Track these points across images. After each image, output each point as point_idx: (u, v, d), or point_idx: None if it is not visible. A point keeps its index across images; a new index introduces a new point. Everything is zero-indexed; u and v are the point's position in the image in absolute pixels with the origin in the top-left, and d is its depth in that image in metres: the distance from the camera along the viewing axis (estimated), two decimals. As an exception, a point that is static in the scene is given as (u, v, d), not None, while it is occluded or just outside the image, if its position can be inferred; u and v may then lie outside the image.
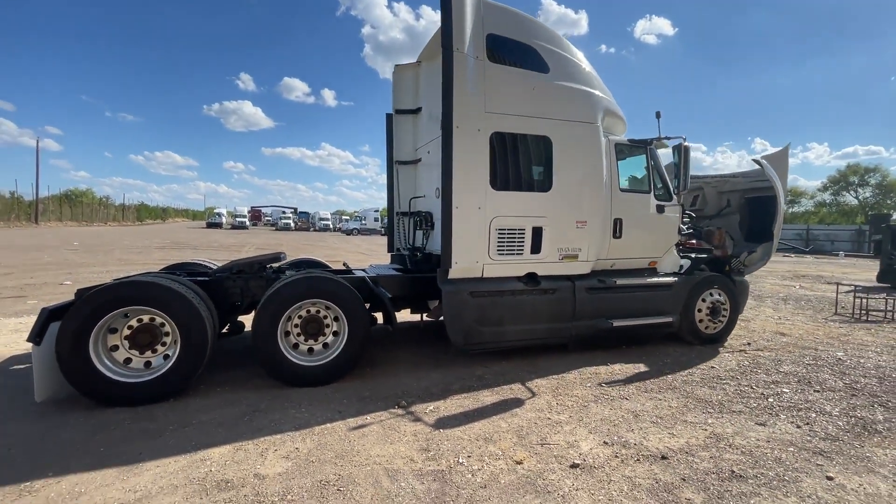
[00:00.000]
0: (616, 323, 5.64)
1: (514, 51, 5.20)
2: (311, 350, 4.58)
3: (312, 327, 4.55)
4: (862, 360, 5.57)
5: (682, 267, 6.41)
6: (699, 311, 6.28)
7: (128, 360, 4.00)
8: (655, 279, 6.08)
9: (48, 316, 3.74)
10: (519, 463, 3.05)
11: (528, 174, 5.33)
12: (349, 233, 47.03)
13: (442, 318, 6.34)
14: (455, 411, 3.90)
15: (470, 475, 2.89)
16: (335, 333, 4.66)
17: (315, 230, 57.39)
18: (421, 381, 4.64)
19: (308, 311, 4.55)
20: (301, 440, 3.31)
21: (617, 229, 5.78)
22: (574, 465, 3.02)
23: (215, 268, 5.71)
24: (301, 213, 67.05)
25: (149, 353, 4.04)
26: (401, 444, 3.29)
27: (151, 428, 3.46)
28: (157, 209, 79.94)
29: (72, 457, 3.01)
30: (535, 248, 5.30)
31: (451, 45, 4.74)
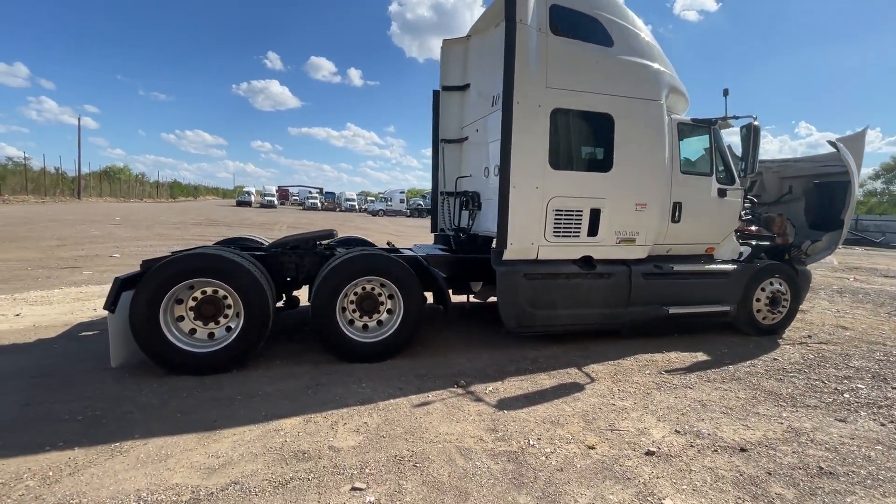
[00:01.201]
0: (672, 310, 5.46)
1: (578, 23, 4.96)
2: (365, 327, 4.59)
3: (368, 304, 4.55)
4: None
5: (741, 254, 6.13)
6: (758, 300, 6.02)
7: (192, 331, 4.09)
8: (714, 266, 5.84)
9: (120, 285, 3.84)
10: (591, 448, 2.99)
11: (589, 153, 5.14)
12: (375, 213, 47.29)
13: (490, 299, 6.30)
14: (515, 393, 3.86)
15: (543, 458, 2.85)
16: (389, 311, 4.66)
17: (341, 210, 57.97)
18: (473, 361, 4.60)
19: (363, 288, 4.55)
20: (368, 415, 3.32)
21: (676, 213, 5.55)
22: (649, 453, 2.93)
23: (267, 243, 5.78)
24: (327, 193, 67.67)
25: (212, 324, 4.12)
26: (467, 423, 3.27)
27: (220, 396, 3.53)
28: (189, 187, 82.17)
29: (152, 420, 3.10)
30: (592, 230, 5.13)
31: (514, 16, 4.54)
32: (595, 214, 5.11)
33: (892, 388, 4.26)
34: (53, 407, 3.22)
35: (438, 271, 4.86)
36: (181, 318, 4.06)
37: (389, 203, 48.66)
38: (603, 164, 5.12)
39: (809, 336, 6.13)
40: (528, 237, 4.91)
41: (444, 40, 6.88)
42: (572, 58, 4.89)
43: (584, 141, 5.05)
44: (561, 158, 4.93)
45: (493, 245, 4.95)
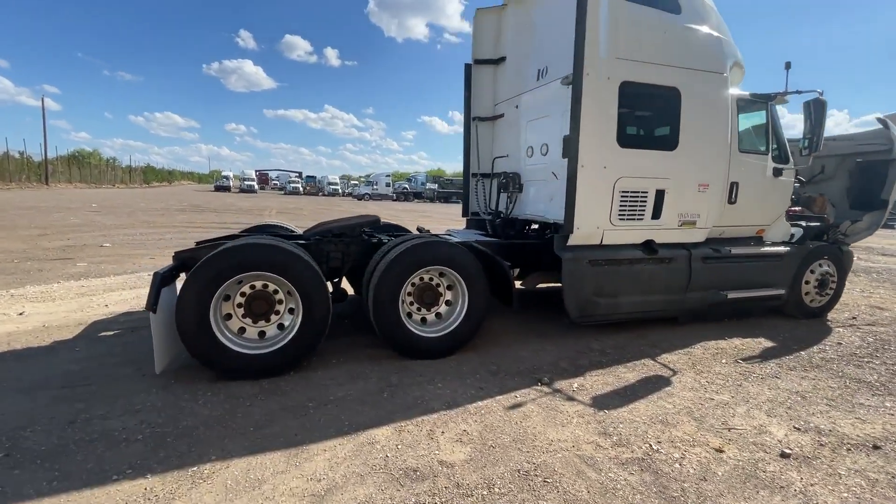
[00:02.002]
0: (731, 295, 5.27)
1: (645, -13, 4.57)
2: (423, 320, 4.23)
3: (428, 296, 4.17)
4: None
5: (793, 236, 5.96)
6: (807, 283, 5.89)
7: (241, 330, 3.66)
8: (769, 249, 5.65)
9: (160, 281, 3.37)
10: (720, 451, 2.73)
11: (656, 130, 4.81)
12: (360, 198, 46.32)
13: (538, 286, 6.00)
14: (603, 389, 3.58)
15: (677, 465, 2.57)
16: (447, 303, 4.30)
17: (324, 195, 56.62)
18: (540, 354, 4.31)
19: (422, 279, 4.17)
20: (463, 421, 2.99)
21: (733, 194, 5.30)
22: (784, 455, 2.70)
23: (298, 231, 5.33)
24: (308, 177, 65.96)
25: (262, 322, 3.70)
26: (573, 427, 2.97)
27: (290, 404, 3.13)
28: (164, 172, 78.88)
29: (224, 437, 2.70)
30: (656, 212, 4.84)
31: (586, -21, 4.12)
32: (660, 196, 4.81)
33: (973, 371, 4.16)
34: (105, 424, 2.77)
35: (503, 260, 4.50)
36: (229, 317, 3.62)
37: (375, 187, 47.71)
38: (669, 142, 4.80)
39: (854, 318, 6.05)
40: (595, 221, 4.58)
41: (478, 10, 6.40)
42: (641, 26, 4.51)
43: (652, 116, 4.72)
44: (629, 135, 4.60)
45: (548, 230, 4.64)
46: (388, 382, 3.54)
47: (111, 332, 4.50)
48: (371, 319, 3.97)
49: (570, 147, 4.38)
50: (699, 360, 4.27)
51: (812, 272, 5.90)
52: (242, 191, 52.66)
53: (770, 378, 3.89)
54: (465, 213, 6.99)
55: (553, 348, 4.50)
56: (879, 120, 6.14)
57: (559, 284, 4.64)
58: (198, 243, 4.31)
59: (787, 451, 2.73)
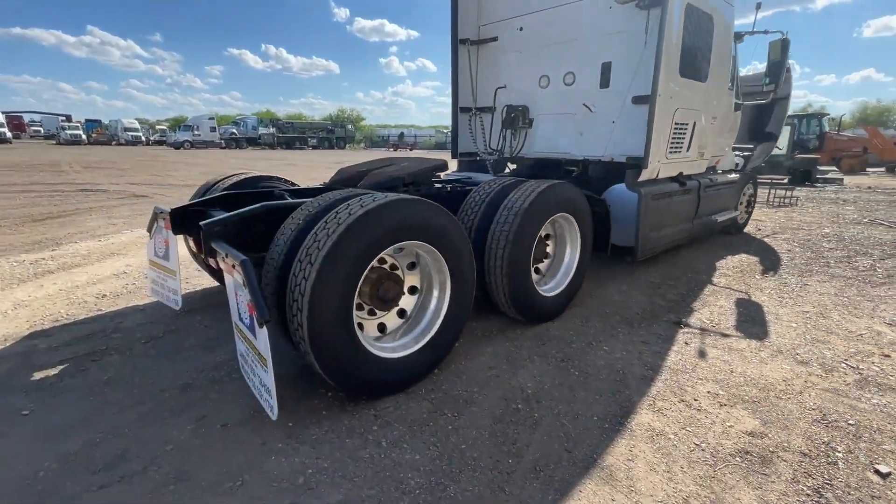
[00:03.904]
0: (719, 219, 5.91)
1: None
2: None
3: (538, 250, 3.54)
4: (842, 231, 7.07)
5: (737, 164, 6.91)
6: (741, 203, 7.00)
7: (359, 326, 2.53)
8: (733, 176, 6.45)
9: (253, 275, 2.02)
10: (887, 357, 3.03)
11: (697, 60, 4.78)
12: (178, 146, 38.07)
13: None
14: (732, 321, 3.63)
15: (890, 376, 2.76)
16: (545, 256, 3.75)
17: (120, 143, 44.92)
18: (625, 296, 4.16)
19: (530, 231, 3.49)
20: (700, 384, 2.66)
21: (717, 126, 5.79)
22: (923, 348, 3.14)
23: (308, 185, 3.93)
24: (91, 121, 51.08)
25: (381, 311, 2.62)
26: (774, 363, 2.93)
27: (498, 413, 2.32)
28: None
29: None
30: (689, 145, 4.97)
31: None
32: (693, 128, 4.93)
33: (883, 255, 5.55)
34: None
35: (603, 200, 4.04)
36: (359, 307, 2.46)
37: (197, 132, 39.63)
38: (701, 73, 4.85)
39: (773, 233, 7.50)
40: (659, 154, 4.46)
41: None
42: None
43: (698, 45, 4.64)
44: (684, 64, 4.47)
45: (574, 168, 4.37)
46: (561, 355, 2.94)
47: (147, 343, 2.68)
48: (492, 284, 3.17)
49: (654, 75, 4.04)
50: (750, 281, 4.70)
51: (744, 194, 7.02)
52: (-15, 140, 37.97)
53: (812, 286, 4.52)
54: (454, 154, 6.17)
55: (628, 288, 4.40)
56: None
57: None
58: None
59: (921, 344, 3.19)
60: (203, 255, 3.11)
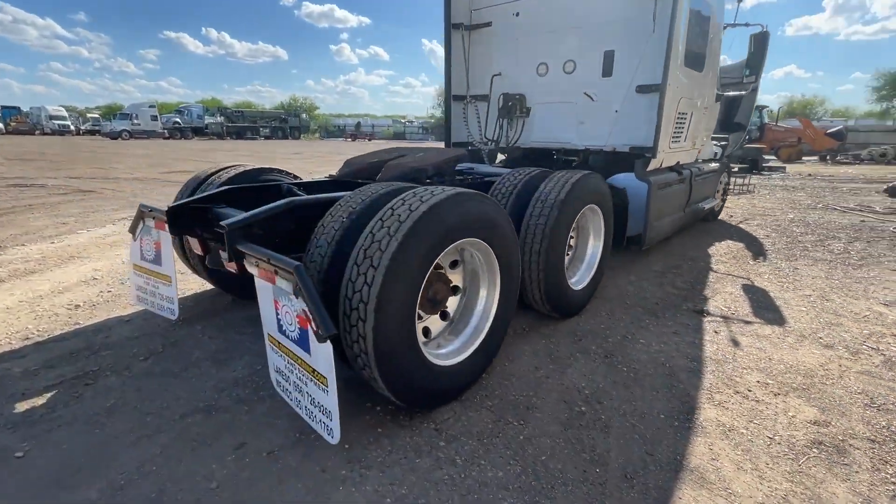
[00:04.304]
0: (705, 206, 6.09)
1: None
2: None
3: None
4: (804, 216, 7.53)
5: (716, 154, 7.13)
6: (718, 192, 7.27)
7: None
8: (714, 165, 6.65)
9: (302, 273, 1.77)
10: (899, 336, 3.19)
11: (696, 50, 4.81)
12: (116, 136, 35.13)
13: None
14: (748, 308, 3.70)
15: (910, 357, 2.89)
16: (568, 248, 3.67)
17: (45, 133, 40.88)
18: (640, 286, 4.17)
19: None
20: (737, 373, 2.66)
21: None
22: (925, 327, 3.33)
23: (313, 178, 3.61)
24: (7, 108, 46.10)
25: (428, 315, 2.42)
26: (799, 349, 2.99)
27: (578, 419, 2.20)
28: None
29: None
30: (687, 134, 5.04)
31: None
32: (690, 118, 4.99)
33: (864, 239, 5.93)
34: None
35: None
36: None
37: (136, 121, 36.66)
38: (699, 63, 4.90)
39: (745, 219, 7.84)
40: (665, 144, 4.47)
41: None
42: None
43: (698, 35, 4.67)
44: (687, 53, 4.48)
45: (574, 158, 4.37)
46: (602, 351, 2.86)
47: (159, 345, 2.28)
48: (526, 279, 3.03)
49: (665, 63, 4.02)
50: (741, 265, 4.85)
51: (721, 182, 7.29)
52: None
53: (801, 269, 4.72)
54: (447, 144, 5.95)
55: (636, 278, 4.41)
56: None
57: None
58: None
59: (922, 323, 3.38)
60: (205, 257, 2.77)
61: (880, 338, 3.16)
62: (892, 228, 6.74)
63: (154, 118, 37.83)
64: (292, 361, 2.00)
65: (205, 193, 2.83)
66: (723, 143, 7.50)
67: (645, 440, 2.07)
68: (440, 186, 2.14)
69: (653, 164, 4.41)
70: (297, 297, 1.81)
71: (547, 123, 5.26)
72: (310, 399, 1.94)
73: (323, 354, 1.75)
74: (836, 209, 8.50)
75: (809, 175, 15.19)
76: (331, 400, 1.78)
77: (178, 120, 41.13)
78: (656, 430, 2.14)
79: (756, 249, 5.60)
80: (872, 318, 3.49)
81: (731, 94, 6.57)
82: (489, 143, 5.60)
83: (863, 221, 7.29)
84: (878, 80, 46.73)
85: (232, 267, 2.30)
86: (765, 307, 3.71)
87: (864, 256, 5.23)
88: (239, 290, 3.48)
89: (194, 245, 2.78)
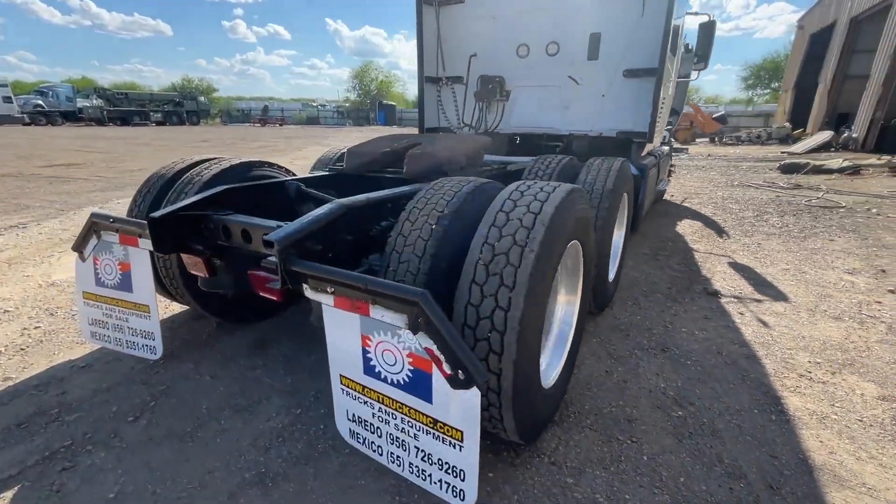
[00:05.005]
0: (663, 187, 6.40)
1: None
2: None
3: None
4: (731, 194, 8.33)
5: (665, 137, 7.51)
6: (668, 173, 7.72)
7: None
8: (666, 148, 6.99)
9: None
10: (893, 292, 3.53)
11: (675, 35, 4.86)
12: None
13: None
14: (750, 286, 3.88)
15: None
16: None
17: None
18: (645, 270, 4.21)
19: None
20: (804, 353, 2.71)
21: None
22: (892, 291, 3.73)
23: (301, 173, 3.10)
24: None
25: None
26: (819, 325, 3.17)
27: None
28: None
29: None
30: (662, 119, 5.16)
31: None
32: (665, 102, 5.10)
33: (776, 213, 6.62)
34: None
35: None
36: None
37: (-20, 104, 30.23)
38: (675, 48, 4.99)
39: (685, 198, 8.41)
40: (658, 127, 4.51)
41: None
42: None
43: (676, 21, 4.71)
44: (672, 40, 4.52)
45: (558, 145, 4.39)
46: (655, 345, 2.76)
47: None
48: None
49: (662, 47, 3.99)
50: (714, 243, 5.13)
51: (669, 164, 7.75)
52: None
53: (758, 245, 5.11)
54: (421, 129, 5.52)
55: (634, 263, 4.46)
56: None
57: None
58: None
59: (892, 289, 3.78)
60: (207, 277, 2.17)
61: (868, 305, 3.47)
62: (804, 202, 7.66)
63: (7, 100, 31.49)
64: (391, 410, 1.58)
65: (198, 196, 2.19)
66: (668, 127, 7.95)
67: (758, 441, 1.99)
68: (552, 184, 1.81)
69: (647, 149, 4.44)
70: (413, 333, 1.41)
71: (528, 108, 5.07)
72: (422, 455, 1.55)
73: (462, 404, 1.38)
74: (750, 186, 9.49)
75: (709, 155, 16.95)
76: (467, 457, 1.42)
77: (40, 102, 34.65)
78: (760, 427, 2.07)
79: (715, 228, 6.00)
80: (850, 288, 3.84)
81: (681, 79, 6.89)
82: (467, 128, 5.29)
83: (778, 196, 8.20)
84: (745, 72, 54.35)
85: (272, 294, 1.79)
86: (761, 284, 3.92)
87: (801, 229, 5.84)
88: (229, 311, 2.85)
89: (193, 265, 2.16)
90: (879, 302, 3.52)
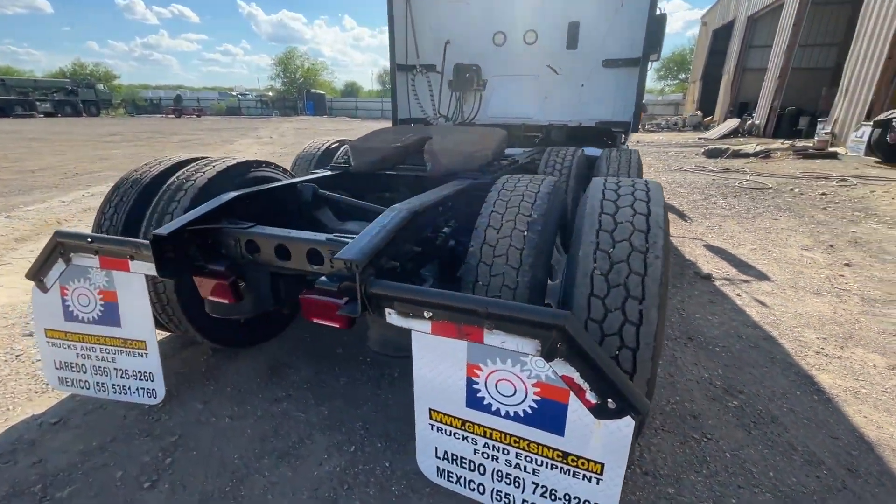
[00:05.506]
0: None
1: None
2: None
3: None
4: (674, 178, 8.92)
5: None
6: (619, 161, 8.04)
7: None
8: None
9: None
10: (848, 265, 3.89)
11: None
12: None
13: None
14: (746, 273, 4.10)
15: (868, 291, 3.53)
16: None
17: None
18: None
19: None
20: (809, 330, 2.88)
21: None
22: (848, 265, 4.13)
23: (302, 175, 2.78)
24: None
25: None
26: (811, 302, 3.41)
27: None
28: None
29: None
30: (634, 108, 5.29)
31: None
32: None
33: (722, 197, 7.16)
34: None
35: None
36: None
37: None
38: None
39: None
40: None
41: None
42: None
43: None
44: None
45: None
46: (679, 335, 2.80)
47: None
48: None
49: (646, 45, 4.05)
50: (680, 226, 5.40)
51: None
52: None
53: (719, 227, 5.46)
54: (394, 120, 5.21)
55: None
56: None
57: None
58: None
59: (848, 262, 4.19)
60: (231, 303, 1.82)
61: (835, 279, 3.81)
62: (737, 184, 8.37)
63: None
64: (502, 445, 1.40)
65: (208, 206, 1.81)
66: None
67: (816, 423, 2.06)
68: (631, 179, 1.70)
69: (631, 138, 4.52)
70: (547, 360, 1.23)
71: (506, 97, 4.97)
72: (542, 492, 1.39)
73: (609, 435, 1.23)
74: (686, 171, 10.21)
75: (637, 142, 18.05)
76: (605, 490, 1.29)
77: None
78: (810, 409, 2.15)
79: (675, 211, 6.33)
80: (813, 264, 4.20)
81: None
82: (443, 119, 5.08)
83: (714, 180, 8.89)
84: (657, 63, 58.95)
85: (335, 322, 1.52)
86: (740, 265, 4.16)
87: (747, 210, 6.34)
88: (235, 336, 2.46)
89: (209, 290, 1.78)
90: (842, 276, 3.88)
